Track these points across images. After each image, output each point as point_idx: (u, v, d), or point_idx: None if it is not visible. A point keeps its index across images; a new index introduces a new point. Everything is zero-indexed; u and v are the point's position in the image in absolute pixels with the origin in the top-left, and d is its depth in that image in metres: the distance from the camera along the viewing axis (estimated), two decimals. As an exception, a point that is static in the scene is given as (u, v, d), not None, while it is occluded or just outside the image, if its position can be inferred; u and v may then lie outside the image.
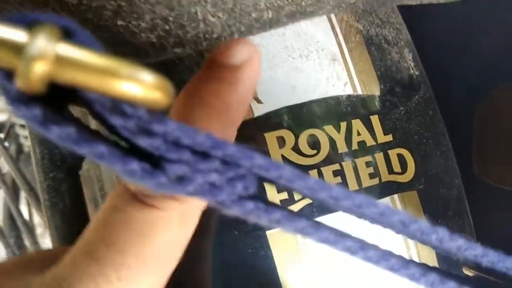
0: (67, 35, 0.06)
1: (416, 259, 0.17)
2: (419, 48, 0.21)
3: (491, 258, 0.10)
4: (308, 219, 0.08)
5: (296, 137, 0.16)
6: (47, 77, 0.06)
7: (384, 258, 0.09)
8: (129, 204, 0.09)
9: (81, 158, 0.21)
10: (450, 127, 0.21)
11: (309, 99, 0.17)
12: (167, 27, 0.11)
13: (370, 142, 0.17)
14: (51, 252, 0.13)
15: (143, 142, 0.07)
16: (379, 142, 0.17)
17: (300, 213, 0.08)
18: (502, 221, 0.23)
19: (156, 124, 0.07)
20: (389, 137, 0.18)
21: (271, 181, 0.08)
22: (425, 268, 0.09)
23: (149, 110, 0.07)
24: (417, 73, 0.20)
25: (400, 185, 0.17)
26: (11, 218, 0.45)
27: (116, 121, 0.07)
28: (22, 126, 0.47)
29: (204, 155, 0.07)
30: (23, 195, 0.48)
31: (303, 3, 0.12)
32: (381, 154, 0.17)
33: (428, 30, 0.23)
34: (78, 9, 0.10)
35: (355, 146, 0.17)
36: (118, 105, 0.07)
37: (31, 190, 0.28)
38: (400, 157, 0.18)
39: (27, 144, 0.48)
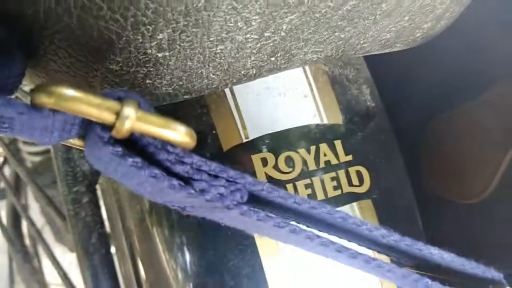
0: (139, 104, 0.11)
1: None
2: (379, 83, 0.26)
3: (407, 242, 0.14)
4: (284, 221, 0.12)
5: (276, 158, 0.21)
6: (131, 130, 0.10)
7: (333, 242, 0.13)
8: None
9: (98, 174, 0.25)
10: (404, 149, 0.26)
11: (286, 127, 0.21)
12: (180, 83, 0.16)
13: (334, 161, 0.22)
14: None
15: (178, 168, 0.11)
16: (341, 161, 0.22)
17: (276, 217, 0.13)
18: (448, 227, 0.28)
19: (187, 157, 0.11)
20: (350, 157, 0.22)
21: (257, 193, 0.13)
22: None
23: (182, 149, 0.11)
24: (373, 104, 0.25)
25: (358, 195, 0.22)
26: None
27: (163, 156, 0.11)
28: (25, 142, 0.50)
29: (215, 177, 0.12)
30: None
31: (278, 63, 0.17)
32: (343, 170, 0.22)
33: (385, 69, 0.27)
34: (119, 73, 0.15)
35: (322, 165, 0.22)
36: (165, 146, 0.11)
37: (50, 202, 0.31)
38: (358, 172, 0.22)
39: (30, 159, 0.51)
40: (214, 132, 0.20)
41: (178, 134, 0.11)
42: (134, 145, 0.11)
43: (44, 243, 0.35)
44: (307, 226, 0.13)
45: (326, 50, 0.18)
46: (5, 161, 0.53)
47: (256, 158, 0.21)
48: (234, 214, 0.12)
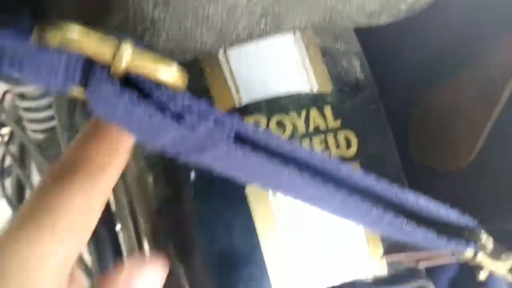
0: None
1: (364, 243, 0.23)
2: (370, 55, 0.27)
3: (383, 185, 0.15)
4: (266, 154, 0.14)
5: (268, 121, 0.22)
6: (128, 66, 0.12)
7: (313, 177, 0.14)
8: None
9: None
10: (393, 121, 0.27)
11: (278, 93, 0.23)
12: (176, 42, 0.17)
13: (323, 126, 0.23)
14: None
15: (171, 107, 0.13)
16: (329, 126, 0.23)
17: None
18: (439, 197, 0.29)
19: (178, 97, 0.13)
20: (338, 123, 0.23)
21: (243, 133, 0.14)
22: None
23: (175, 89, 0.13)
24: (362, 77, 0.26)
25: (345, 158, 0.23)
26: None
27: (157, 94, 0.12)
28: (30, 120, 0.52)
29: (204, 116, 0.13)
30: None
31: (267, 27, 0.18)
32: (332, 135, 0.23)
33: (376, 42, 0.29)
34: (119, 30, 0.16)
35: (311, 129, 0.23)
36: (159, 86, 0.12)
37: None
38: (346, 138, 0.24)
39: (34, 136, 0.53)
40: (209, 94, 0.22)
41: (172, 74, 0.12)
42: (131, 85, 0.13)
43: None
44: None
45: (314, 17, 0.20)
46: (10, 138, 0.54)
47: (248, 120, 0.22)
48: (221, 151, 0.13)
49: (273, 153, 0.14)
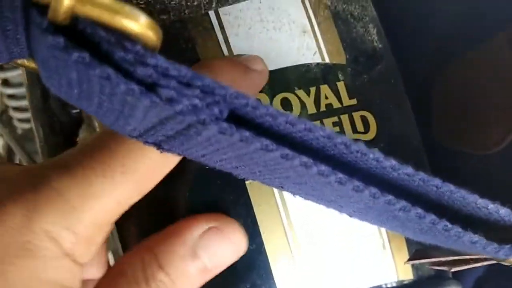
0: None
1: (387, 246, 0.20)
2: (386, 23, 0.23)
3: (421, 176, 0.12)
4: (272, 138, 0.10)
5: (271, 100, 0.19)
6: (71, 11, 0.08)
7: (333, 171, 0.11)
8: None
9: (78, 126, 0.23)
10: (412, 97, 0.23)
11: (282, 66, 0.19)
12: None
13: (336, 105, 0.19)
14: None
15: (139, 71, 0.09)
16: (344, 105, 0.20)
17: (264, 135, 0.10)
18: (462, 181, 0.26)
19: (150, 57, 0.09)
20: (354, 101, 0.20)
21: (240, 110, 0.10)
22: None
23: (143, 47, 0.09)
24: (380, 46, 0.22)
25: (364, 143, 0.20)
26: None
27: (119, 54, 0.09)
28: (16, 109, 0.48)
29: (187, 84, 0.09)
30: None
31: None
32: (346, 115, 0.20)
33: (393, 8, 0.25)
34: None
35: (323, 108, 0.19)
36: (121, 41, 0.09)
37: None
38: (363, 118, 0.20)
39: (20, 126, 0.49)
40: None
41: (137, 23, 0.09)
42: (82, 43, 0.09)
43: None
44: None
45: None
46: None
47: (248, 99, 0.18)
48: (211, 133, 0.10)
49: (280, 138, 0.11)
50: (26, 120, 0.51)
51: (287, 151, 0.10)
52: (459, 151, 0.24)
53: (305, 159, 0.10)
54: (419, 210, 0.12)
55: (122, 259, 0.16)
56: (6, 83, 0.49)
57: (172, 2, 0.14)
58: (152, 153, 0.13)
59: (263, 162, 0.11)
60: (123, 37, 0.09)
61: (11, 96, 0.49)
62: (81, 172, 0.13)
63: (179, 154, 0.13)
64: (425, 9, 0.25)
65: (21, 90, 0.48)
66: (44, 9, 0.09)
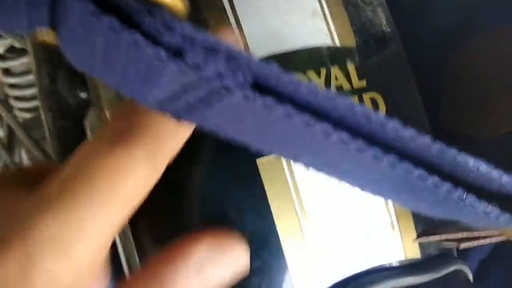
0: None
1: (396, 224, 0.20)
2: (393, 7, 0.24)
3: (438, 146, 0.12)
4: (293, 107, 0.10)
5: (282, 80, 0.19)
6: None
7: (353, 139, 0.11)
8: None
9: (86, 108, 0.23)
10: (419, 81, 0.23)
11: (294, 47, 0.19)
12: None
13: (346, 86, 0.20)
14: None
15: (167, 37, 0.09)
16: (354, 87, 0.20)
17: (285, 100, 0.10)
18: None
19: (177, 24, 0.09)
20: (363, 83, 0.20)
21: (262, 79, 0.10)
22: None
23: (171, 14, 0.09)
24: (388, 30, 0.22)
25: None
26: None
27: (148, 21, 0.09)
28: (17, 98, 0.48)
29: (213, 50, 0.10)
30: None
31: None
32: (356, 96, 0.20)
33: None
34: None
35: (333, 90, 0.19)
36: (150, 8, 0.09)
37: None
38: (373, 100, 0.20)
39: (21, 116, 0.49)
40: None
41: (165, -12, 0.09)
42: (111, 10, 0.09)
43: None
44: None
45: None
46: (-2, 119, 0.51)
47: (260, 79, 0.18)
48: (235, 100, 0.10)
49: (300, 106, 0.11)
50: (27, 110, 0.51)
51: (307, 117, 0.10)
52: (466, 135, 0.24)
53: (325, 126, 0.11)
54: (436, 179, 0.12)
55: (125, 284, 0.16)
56: (7, 72, 0.49)
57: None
58: (138, 170, 0.13)
59: (282, 130, 0.11)
60: (152, 4, 0.09)
61: (13, 86, 0.49)
62: (66, 209, 0.12)
63: (193, 123, 0.13)
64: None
65: (23, 80, 0.48)
66: None
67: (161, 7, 0.09)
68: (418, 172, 0.12)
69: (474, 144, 0.24)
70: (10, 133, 0.53)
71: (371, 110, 0.11)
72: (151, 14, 0.09)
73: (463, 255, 0.25)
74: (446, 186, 0.12)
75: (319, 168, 0.15)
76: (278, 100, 0.10)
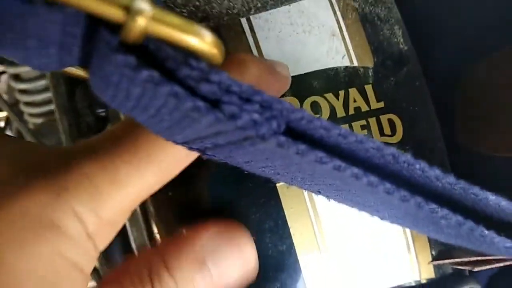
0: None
1: (412, 247, 0.20)
2: (408, 25, 0.24)
3: (462, 185, 0.12)
4: (325, 151, 0.10)
5: (301, 103, 0.19)
6: (145, 30, 0.08)
7: (382, 182, 0.11)
8: None
9: (104, 125, 0.23)
10: (435, 98, 0.23)
11: (311, 69, 0.19)
12: (197, 3, 0.14)
13: (364, 108, 0.20)
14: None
15: (204, 88, 0.09)
16: (372, 108, 0.20)
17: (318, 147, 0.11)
18: (484, 185, 0.26)
19: (214, 74, 0.09)
20: (381, 104, 0.20)
21: (294, 123, 0.10)
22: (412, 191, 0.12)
23: (208, 64, 0.09)
24: (406, 48, 0.22)
25: (390, 145, 0.20)
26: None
27: (185, 71, 0.09)
28: (27, 103, 0.48)
29: (247, 100, 0.10)
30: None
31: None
32: (374, 118, 0.20)
33: (416, 8, 0.25)
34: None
35: (351, 112, 0.19)
36: (187, 58, 0.09)
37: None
38: (390, 121, 0.20)
39: (32, 121, 0.49)
40: (232, 72, 0.18)
41: (203, 41, 0.09)
42: (148, 57, 0.09)
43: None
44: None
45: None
46: (7, 123, 0.51)
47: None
48: (269, 146, 0.10)
49: (330, 148, 0.11)
50: (37, 115, 0.51)
51: (339, 162, 0.11)
52: (480, 153, 0.24)
53: (356, 170, 0.11)
54: (459, 218, 0.12)
55: (129, 259, 0.16)
56: (17, 78, 0.49)
57: (213, 10, 0.14)
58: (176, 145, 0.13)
59: (312, 171, 0.11)
60: (189, 54, 0.09)
61: (23, 91, 0.49)
62: (108, 159, 0.13)
63: (220, 160, 0.14)
64: (447, 11, 0.25)
65: (33, 85, 0.48)
66: (113, 28, 0.09)
67: (198, 56, 0.09)
68: (443, 212, 0.12)
69: (489, 162, 0.24)
70: (20, 137, 0.53)
71: (399, 152, 0.11)
72: (188, 63, 0.09)
73: (474, 271, 0.25)
74: (468, 224, 0.12)
75: (342, 201, 0.15)
76: (310, 145, 0.10)
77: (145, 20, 0.08)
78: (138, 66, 0.09)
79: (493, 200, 0.13)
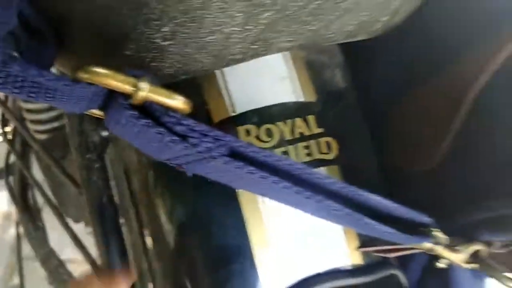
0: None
1: (343, 236, 0.26)
2: (352, 66, 0.30)
3: (352, 188, 0.18)
4: (255, 166, 0.17)
5: (258, 129, 0.25)
6: (145, 98, 0.14)
7: (293, 186, 0.17)
8: None
9: (106, 145, 0.29)
10: (371, 125, 0.30)
11: (267, 104, 0.26)
12: (179, 66, 0.20)
13: (307, 133, 0.26)
14: None
15: (178, 128, 0.15)
16: (313, 133, 0.26)
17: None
18: (411, 195, 0.32)
19: (184, 120, 0.16)
20: (321, 130, 0.26)
21: (237, 149, 0.17)
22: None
23: (180, 114, 0.16)
24: (343, 86, 0.29)
25: (326, 161, 0.26)
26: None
27: (167, 118, 0.15)
28: (32, 121, 0.54)
29: (205, 135, 0.16)
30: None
31: (259, 50, 0.21)
32: (314, 141, 0.26)
33: (356, 54, 0.31)
34: (131, 58, 0.19)
35: (297, 135, 0.26)
36: (168, 111, 0.15)
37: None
38: (328, 143, 0.27)
39: (37, 137, 0.55)
40: (206, 107, 0.24)
41: (178, 102, 0.15)
42: (145, 111, 0.16)
43: (56, 209, 0.39)
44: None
45: (299, 40, 0.22)
46: (15, 136, 0.57)
47: (241, 129, 0.25)
48: (218, 164, 0.16)
49: (261, 165, 0.17)
50: (42, 132, 0.57)
51: (263, 173, 0.17)
52: (403, 169, 0.31)
53: (275, 178, 0.17)
54: (348, 210, 0.18)
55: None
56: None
57: (191, 69, 0.20)
58: None
59: (249, 180, 0.18)
60: (169, 109, 0.15)
61: (30, 110, 0.55)
62: None
63: (189, 171, 0.20)
64: (381, 55, 0.32)
65: (39, 105, 0.54)
66: (124, 94, 0.15)
67: (175, 110, 0.16)
68: (334, 206, 0.18)
69: (413, 176, 0.31)
70: (24, 150, 0.59)
71: (310, 168, 0.18)
72: (168, 114, 0.15)
73: (404, 263, 0.31)
74: (358, 215, 0.18)
75: (278, 201, 0.21)
76: (245, 162, 0.17)
77: (145, 92, 0.14)
78: (139, 117, 0.15)
79: (375, 198, 0.20)
